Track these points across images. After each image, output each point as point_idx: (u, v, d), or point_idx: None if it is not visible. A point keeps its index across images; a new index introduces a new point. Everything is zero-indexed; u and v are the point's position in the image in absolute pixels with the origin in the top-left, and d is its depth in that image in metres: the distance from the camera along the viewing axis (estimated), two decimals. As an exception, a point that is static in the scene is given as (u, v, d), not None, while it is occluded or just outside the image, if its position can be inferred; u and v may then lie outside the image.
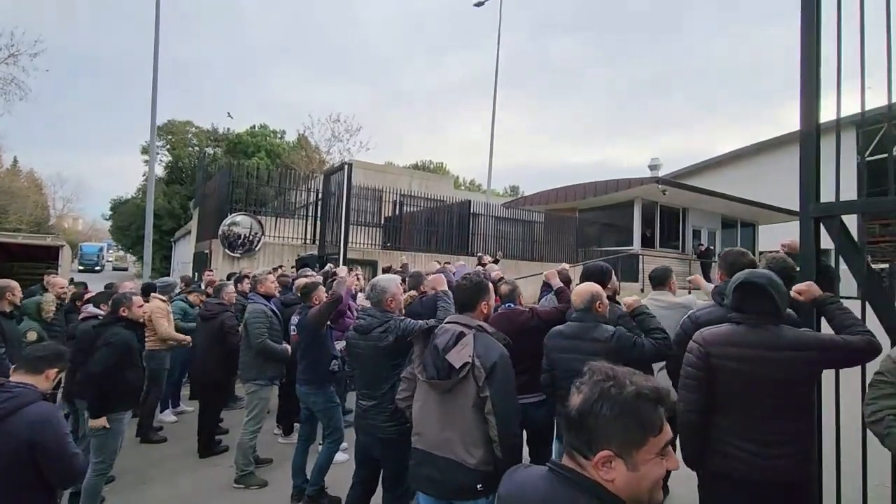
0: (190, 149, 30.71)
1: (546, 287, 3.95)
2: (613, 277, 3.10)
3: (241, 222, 9.52)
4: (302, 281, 4.31)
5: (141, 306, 3.68)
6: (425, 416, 2.12)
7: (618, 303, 2.94)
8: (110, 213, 35.67)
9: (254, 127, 31.24)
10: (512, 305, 3.12)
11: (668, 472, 0.96)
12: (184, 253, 17.76)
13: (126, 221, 31.33)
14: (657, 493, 0.94)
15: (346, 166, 8.36)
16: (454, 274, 5.46)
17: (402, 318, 2.74)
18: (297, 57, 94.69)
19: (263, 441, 4.40)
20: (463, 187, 37.24)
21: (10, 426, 1.87)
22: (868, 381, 1.87)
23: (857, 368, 2.03)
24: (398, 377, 2.47)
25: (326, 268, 6.21)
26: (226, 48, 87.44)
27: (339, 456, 4.10)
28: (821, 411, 2.22)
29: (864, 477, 2.22)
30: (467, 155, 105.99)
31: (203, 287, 6.43)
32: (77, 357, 3.65)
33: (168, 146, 30.21)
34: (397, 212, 12.73)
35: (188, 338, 5.17)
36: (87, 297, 5.17)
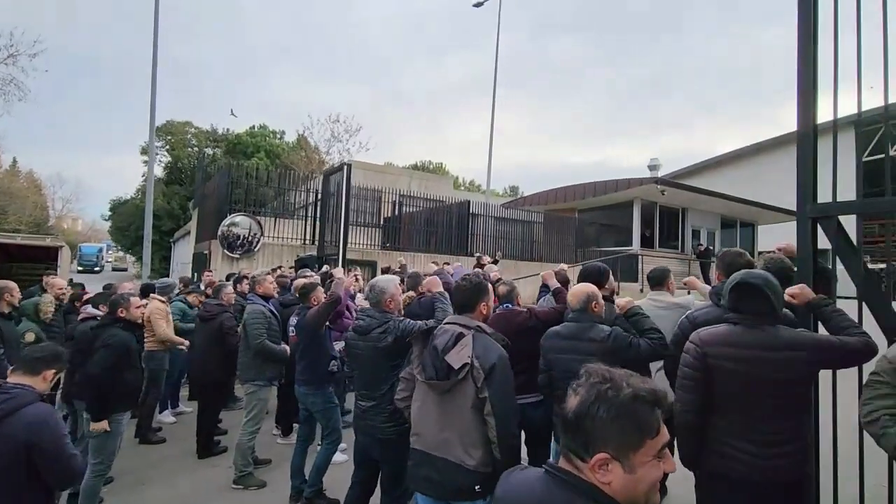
0: (189, 149, 30.70)
1: (544, 287, 3.95)
2: (611, 278, 3.11)
3: (240, 223, 9.52)
4: (300, 282, 4.31)
5: (139, 307, 3.68)
6: (424, 417, 2.13)
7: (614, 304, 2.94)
8: (109, 213, 35.67)
9: (253, 127, 31.23)
10: (510, 306, 3.13)
11: (666, 473, 0.96)
12: (183, 253, 17.75)
13: (125, 222, 31.33)
14: (654, 495, 0.94)
15: (345, 167, 8.36)
16: (452, 275, 5.47)
17: (401, 318, 2.75)
18: (297, 57, 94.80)
19: (262, 442, 4.40)
20: (462, 188, 37.25)
21: (8, 428, 1.87)
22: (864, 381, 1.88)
23: (854, 369, 2.04)
24: (397, 378, 2.48)
25: (323, 269, 6.21)
26: (226, 48, 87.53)
27: (338, 456, 4.10)
28: (818, 411, 2.23)
29: (861, 477, 2.23)
30: (467, 155, 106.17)
31: (203, 288, 6.43)
32: (76, 358, 3.65)
33: (167, 147, 30.20)
34: (396, 212, 12.74)
35: (186, 342, 5.16)
36: (85, 297, 5.16)
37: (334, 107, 75.33)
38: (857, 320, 2.11)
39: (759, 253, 17.17)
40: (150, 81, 11.49)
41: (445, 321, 2.26)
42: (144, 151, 28.40)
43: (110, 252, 52.86)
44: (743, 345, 1.84)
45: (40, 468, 1.92)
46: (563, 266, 3.98)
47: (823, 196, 2.29)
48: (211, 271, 7.93)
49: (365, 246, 11.28)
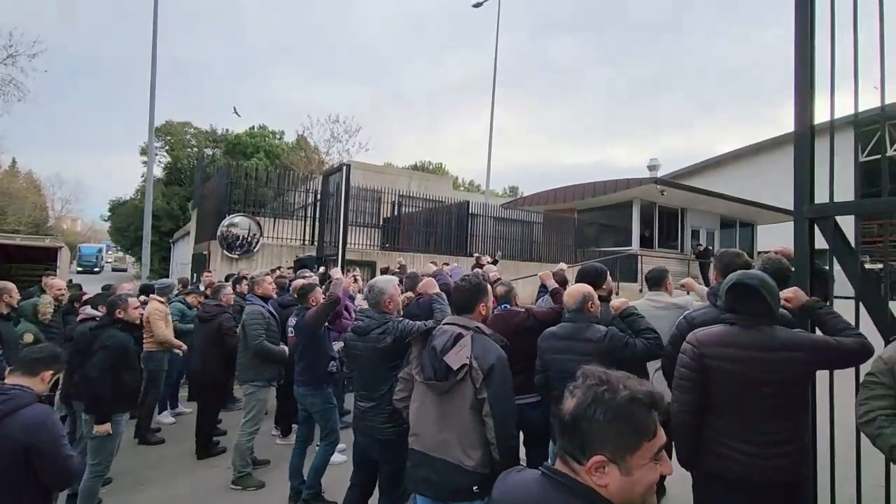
0: (189, 150, 30.68)
1: (543, 288, 3.96)
2: (609, 278, 3.11)
3: (239, 223, 9.52)
4: (299, 282, 4.32)
5: (137, 308, 3.68)
6: (423, 418, 2.12)
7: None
8: (109, 214, 35.66)
9: (253, 127, 31.23)
10: (508, 306, 3.13)
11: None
12: (182, 254, 17.75)
13: (125, 222, 31.30)
14: (651, 497, 0.94)
15: (344, 167, 8.36)
16: (450, 275, 5.46)
17: (400, 319, 2.75)
18: (297, 57, 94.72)
19: (261, 442, 4.40)
20: (462, 188, 37.26)
21: (6, 429, 1.87)
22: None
23: (851, 369, 2.04)
24: (396, 378, 2.47)
25: (320, 270, 6.21)
26: (225, 48, 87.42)
27: (337, 457, 4.10)
28: (815, 412, 2.23)
29: (858, 477, 2.23)
30: (467, 155, 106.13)
31: (202, 288, 6.43)
32: (74, 359, 3.65)
33: (167, 147, 30.19)
34: (396, 212, 12.75)
35: (183, 346, 5.17)
36: (84, 298, 5.16)
37: (334, 107, 75.50)
38: (854, 320, 2.12)
39: (759, 253, 17.20)
40: (150, 82, 11.51)
41: (444, 321, 2.26)
42: (144, 152, 28.40)
43: (110, 252, 52.84)
44: (739, 345, 1.85)
45: (38, 469, 1.92)
46: (563, 265, 3.98)
47: (822, 196, 2.29)
48: (210, 272, 7.93)
49: (364, 246, 11.28)
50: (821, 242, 2.35)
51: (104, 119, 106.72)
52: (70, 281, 7.89)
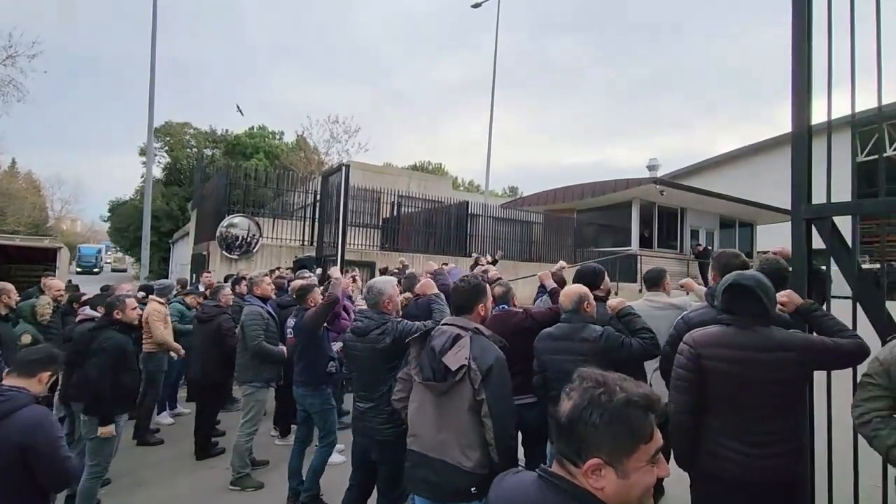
0: (188, 150, 30.68)
1: (542, 288, 3.96)
2: (606, 278, 3.11)
3: (238, 224, 9.52)
4: (297, 283, 4.32)
5: (135, 309, 3.67)
6: (421, 418, 2.12)
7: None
8: (108, 214, 35.65)
9: (252, 128, 31.23)
10: (506, 307, 3.12)
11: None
12: (182, 254, 17.75)
13: (124, 223, 31.30)
14: (648, 500, 0.94)
15: (343, 167, 8.35)
16: (450, 274, 5.46)
17: (399, 319, 2.75)
18: (297, 57, 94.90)
19: (260, 443, 4.40)
20: (462, 188, 37.27)
21: (3, 430, 1.87)
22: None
23: (849, 369, 2.04)
24: (395, 379, 2.48)
25: (318, 271, 6.20)
26: (225, 48, 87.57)
27: (337, 458, 4.11)
28: (813, 412, 2.23)
29: (856, 477, 2.23)
30: (466, 155, 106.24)
31: (202, 289, 6.43)
32: (74, 359, 3.65)
33: (166, 148, 30.19)
34: (395, 213, 12.75)
35: (181, 350, 5.16)
36: (83, 299, 5.16)
37: (334, 107, 75.53)
38: (851, 320, 2.12)
39: (758, 253, 17.21)
40: (149, 83, 11.50)
41: (443, 322, 2.26)
42: (143, 152, 28.40)
43: (109, 253, 52.83)
44: (736, 346, 1.85)
45: (35, 470, 1.92)
46: (563, 263, 3.99)
47: (820, 197, 2.29)
48: (209, 272, 7.92)
49: (364, 247, 11.29)
50: (819, 242, 2.35)
51: (104, 119, 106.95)
52: (69, 282, 7.89)
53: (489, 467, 1.94)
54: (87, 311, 4.30)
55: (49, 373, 2.17)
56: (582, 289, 2.66)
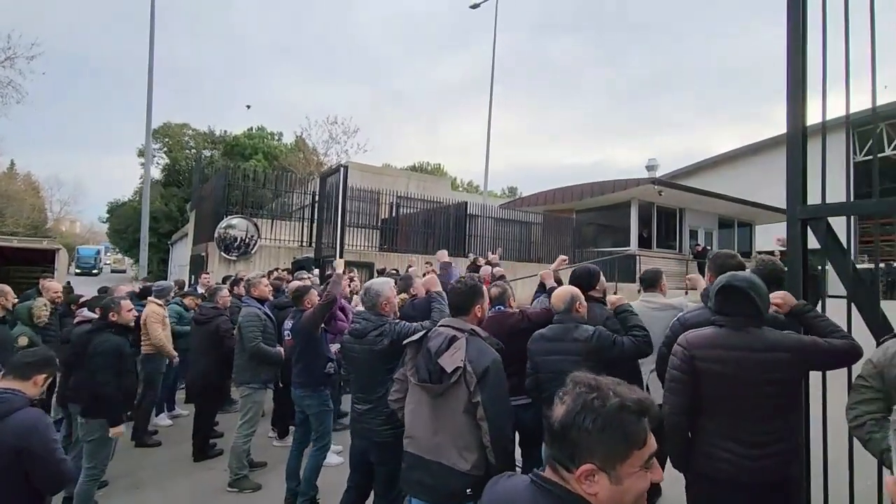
0: (187, 151, 30.68)
1: (541, 288, 3.96)
2: (602, 278, 3.12)
3: (237, 225, 9.53)
4: (294, 284, 4.31)
5: (130, 310, 3.66)
6: (417, 420, 2.12)
7: (606, 304, 2.96)
8: (107, 215, 35.62)
9: (251, 129, 31.23)
10: (502, 308, 3.12)
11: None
12: (181, 256, 17.76)
13: (123, 224, 31.29)
14: None
15: (341, 168, 8.37)
16: (449, 274, 5.45)
17: (397, 321, 2.75)
18: (297, 57, 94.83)
19: (259, 444, 4.40)
20: (461, 188, 37.27)
21: (-3, 432, 1.87)
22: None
23: (843, 370, 2.05)
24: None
25: (315, 272, 6.17)
26: (225, 48, 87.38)
27: (335, 459, 4.11)
28: (808, 412, 2.23)
29: (851, 477, 2.24)
30: (466, 156, 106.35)
31: (201, 291, 6.43)
32: (72, 361, 3.65)
33: (165, 149, 30.18)
34: (394, 214, 12.76)
35: (175, 356, 5.17)
36: (81, 300, 5.16)
37: (333, 107, 75.60)
38: (846, 320, 2.13)
39: (757, 253, 17.21)
40: (147, 84, 11.50)
41: (440, 323, 2.26)
42: (142, 154, 28.39)
43: (108, 254, 52.80)
44: (729, 347, 1.85)
45: (30, 473, 1.92)
46: (564, 257, 4.01)
47: (816, 197, 2.30)
48: (208, 273, 7.93)
49: (362, 247, 11.29)
50: (815, 242, 2.36)
51: (103, 120, 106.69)
52: (68, 283, 7.88)
53: (485, 469, 1.94)
54: (86, 312, 4.30)
55: (45, 375, 2.17)
56: (573, 289, 2.67)
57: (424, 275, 5.11)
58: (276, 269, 7.46)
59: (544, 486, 0.96)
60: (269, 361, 4.14)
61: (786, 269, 2.40)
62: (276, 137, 31.83)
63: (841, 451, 2.23)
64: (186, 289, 7.17)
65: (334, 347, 3.97)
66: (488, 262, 6.09)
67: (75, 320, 4.38)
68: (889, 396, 1.66)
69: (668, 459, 2.05)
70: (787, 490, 1.89)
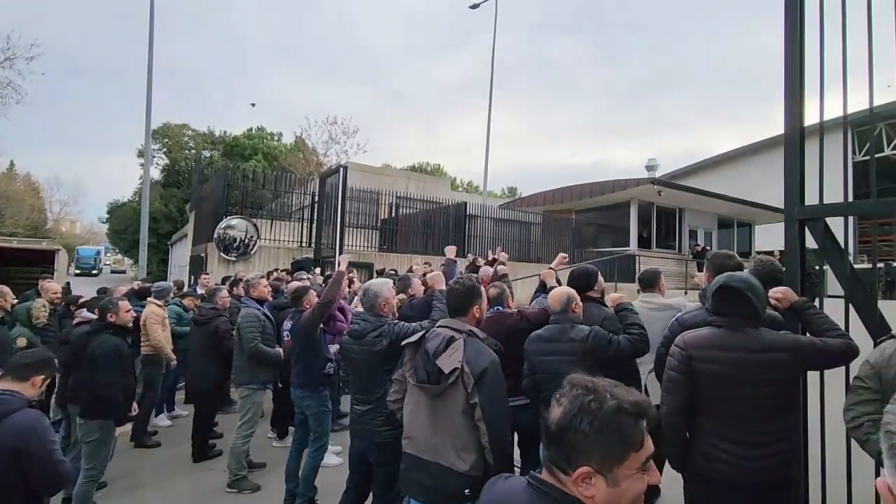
0: (187, 152, 30.66)
1: (541, 288, 3.96)
2: (600, 279, 3.12)
3: (236, 225, 9.52)
4: (293, 285, 4.31)
5: (128, 311, 3.66)
6: (416, 421, 2.12)
7: (605, 305, 2.96)
8: (107, 216, 35.61)
9: (251, 129, 31.23)
10: (500, 308, 3.12)
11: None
12: (180, 256, 17.75)
13: (123, 225, 31.29)
14: None
15: (341, 169, 8.37)
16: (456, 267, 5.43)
17: (396, 322, 2.75)
18: (297, 57, 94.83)
19: (258, 445, 4.40)
20: (461, 189, 37.27)
21: (-5, 434, 1.87)
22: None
23: (842, 370, 2.05)
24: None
25: (316, 271, 6.17)
26: (225, 48, 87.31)
27: (334, 459, 4.11)
28: (806, 412, 2.23)
29: (849, 477, 2.24)
30: (466, 156, 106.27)
31: (200, 291, 6.43)
32: (71, 362, 3.65)
33: (164, 149, 30.17)
34: (393, 214, 12.77)
35: (173, 358, 5.17)
36: (81, 301, 5.16)
37: (333, 107, 75.61)
38: (844, 320, 2.13)
39: (757, 253, 17.22)
40: (146, 85, 11.50)
41: (438, 324, 2.26)
42: (141, 154, 28.36)
43: (108, 255, 52.79)
44: (727, 347, 1.85)
45: (28, 474, 1.92)
46: (564, 255, 4.03)
47: (814, 198, 2.30)
48: (208, 274, 7.93)
49: (362, 248, 11.29)
50: (813, 242, 2.36)
51: (103, 120, 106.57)
52: (67, 284, 7.88)
53: (484, 470, 1.94)
54: (85, 313, 4.30)
55: (43, 376, 2.17)
56: (569, 290, 2.68)
57: (424, 274, 5.11)
58: (276, 270, 7.46)
59: (541, 488, 0.96)
60: (268, 362, 4.14)
61: (784, 269, 2.40)
62: (276, 138, 31.83)
63: (839, 451, 2.24)
64: (186, 289, 7.16)
65: (333, 348, 3.97)
66: (495, 261, 6.08)
67: (74, 321, 4.38)
68: (886, 397, 1.66)
69: (667, 460, 2.05)
70: (786, 490, 1.89)
